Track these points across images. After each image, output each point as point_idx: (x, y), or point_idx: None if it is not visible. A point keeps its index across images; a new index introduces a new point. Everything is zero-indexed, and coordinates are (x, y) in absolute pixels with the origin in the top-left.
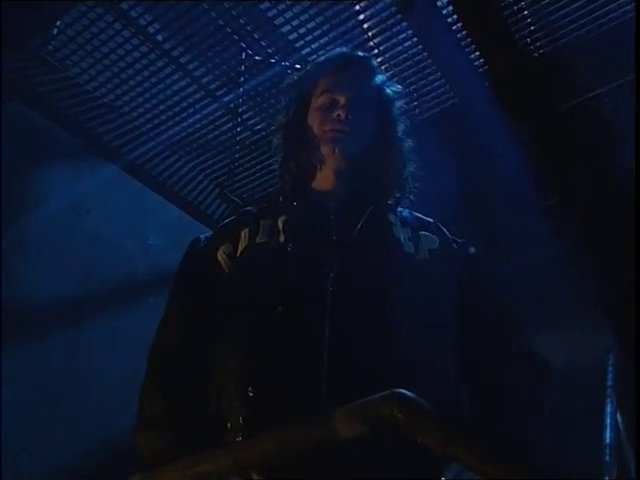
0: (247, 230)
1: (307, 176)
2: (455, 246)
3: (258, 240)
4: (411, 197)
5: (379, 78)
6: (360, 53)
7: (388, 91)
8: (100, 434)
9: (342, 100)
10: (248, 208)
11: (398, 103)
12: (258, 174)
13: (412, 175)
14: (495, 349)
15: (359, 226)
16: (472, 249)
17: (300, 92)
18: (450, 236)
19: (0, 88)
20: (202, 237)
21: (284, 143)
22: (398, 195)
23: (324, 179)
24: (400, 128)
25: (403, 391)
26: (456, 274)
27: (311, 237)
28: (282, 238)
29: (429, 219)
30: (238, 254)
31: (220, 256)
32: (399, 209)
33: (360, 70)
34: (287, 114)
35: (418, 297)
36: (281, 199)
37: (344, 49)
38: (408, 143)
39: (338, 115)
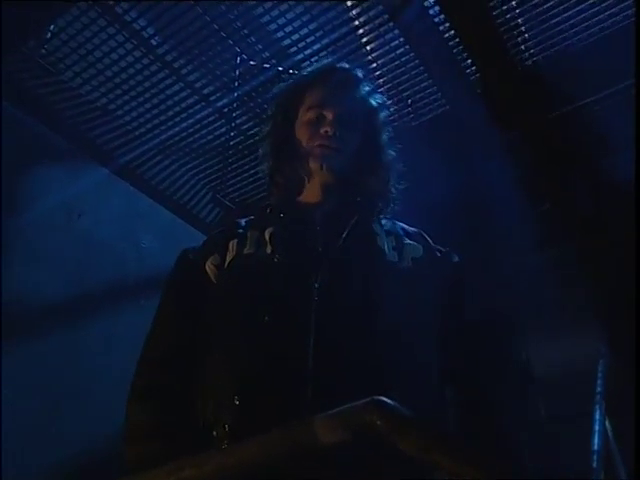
0: (235, 241)
1: (295, 189)
2: (439, 254)
3: (246, 251)
4: (395, 207)
5: (364, 90)
6: (346, 65)
7: (373, 103)
8: (95, 435)
9: (330, 115)
10: (236, 220)
11: (383, 114)
12: (251, 178)
13: (396, 187)
14: (479, 356)
15: (343, 236)
16: (455, 257)
17: (287, 104)
18: (434, 245)
19: (0, 91)
20: (190, 249)
21: (271, 156)
22: (382, 206)
23: (311, 192)
24: (384, 140)
25: (383, 398)
26: (440, 282)
27: (297, 248)
28: (269, 249)
29: (413, 228)
30: (226, 265)
31: (208, 267)
32: (383, 220)
33: (346, 83)
34: (273, 125)
35: (402, 305)
36: (268, 211)
37: (331, 61)
38: (392, 155)
39: (326, 131)
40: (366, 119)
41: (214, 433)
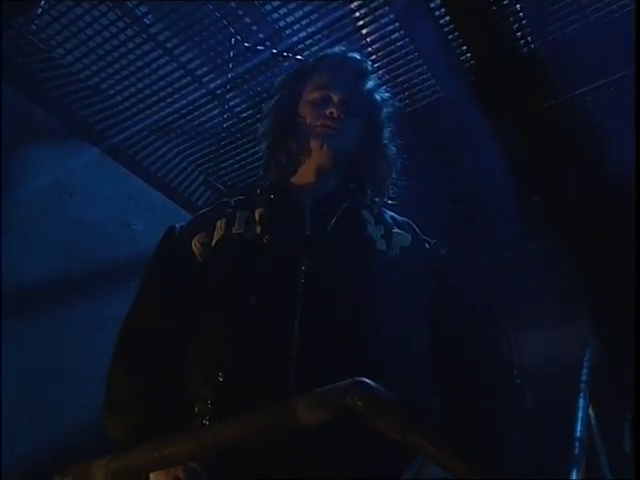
0: (223, 220)
1: (291, 168)
2: (427, 246)
3: (234, 230)
4: (388, 201)
5: (372, 83)
6: (358, 56)
7: (379, 97)
8: (84, 417)
9: (336, 98)
10: (225, 200)
11: (387, 109)
12: (243, 162)
13: (394, 181)
14: (460, 349)
15: (332, 222)
16: (443, 250)
17: (293, 83)
18: (422, 236)
19: (0, 70)
20: (177, 226)
21: (273, 132)
22: (375, 195)
23: (305, 174)
24: (386, 134)
25: (364, 379)
26: (426, 273)
27: (286, 230)
28: (258, 229)
29: (403, 218)
30: (213, 243)
31: (194, 245)
32: (374, 208)
33: (357, 72)
34: (277, 103)
35: (388, 292)
36: (259, 191)
37: (343, 49)
38: (393, 151)
39: (331, 112)
40: (370, 111)
41: (196, 409)
